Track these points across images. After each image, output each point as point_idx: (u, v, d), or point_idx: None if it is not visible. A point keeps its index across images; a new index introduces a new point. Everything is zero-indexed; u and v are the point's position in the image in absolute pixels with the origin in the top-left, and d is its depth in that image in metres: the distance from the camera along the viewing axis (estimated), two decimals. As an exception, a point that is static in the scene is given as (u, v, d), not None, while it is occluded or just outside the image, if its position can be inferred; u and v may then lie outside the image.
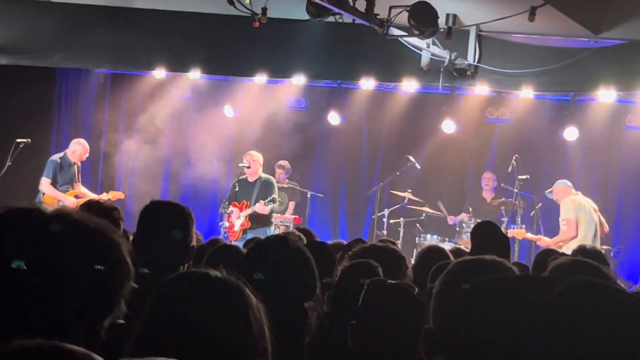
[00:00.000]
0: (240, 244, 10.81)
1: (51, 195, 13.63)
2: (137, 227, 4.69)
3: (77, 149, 14.13)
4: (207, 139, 16.50)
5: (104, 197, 13.73)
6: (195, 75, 15.05)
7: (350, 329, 3.56)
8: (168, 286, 2.81)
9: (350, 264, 4.62)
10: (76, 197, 13.71)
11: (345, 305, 3.66)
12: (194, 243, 4.71)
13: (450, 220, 14.90)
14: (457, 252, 7.71)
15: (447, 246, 12.23)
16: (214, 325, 2.66)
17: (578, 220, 12.49)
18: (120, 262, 2.09)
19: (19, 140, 13.86)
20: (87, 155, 14.32)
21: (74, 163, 14.04)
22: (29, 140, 13.95)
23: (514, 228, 13.82)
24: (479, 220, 13.41)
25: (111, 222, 5.11)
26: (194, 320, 2.67)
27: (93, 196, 13.44)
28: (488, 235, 6.89)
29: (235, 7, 9.88)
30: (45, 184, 13.76)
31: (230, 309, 2.68)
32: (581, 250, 7.00)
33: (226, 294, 2.72)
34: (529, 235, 13.11)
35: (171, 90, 16.25)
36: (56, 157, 14.05)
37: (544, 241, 12.85)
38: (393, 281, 3.78)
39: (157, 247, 4.54)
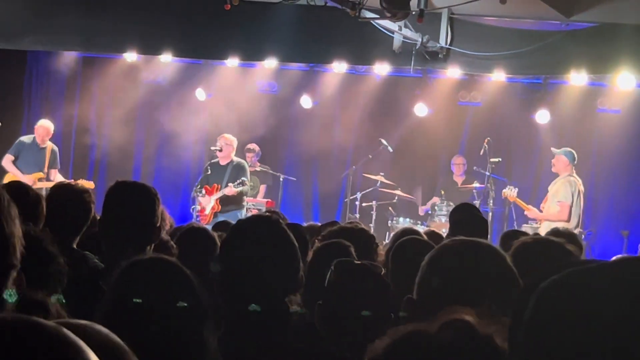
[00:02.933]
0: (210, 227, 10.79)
1: (11, 172, 13.58)
2: (103, 208, 4.65)
3: (38, 130, 14.06)
4: (179, 122, 16.44)
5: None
6: (167, 58, 14.98)
7: (317, 308, 3.55)
8: (124, 273, 2.83)
9: (321, 244, 4.61)
10: (43, 179, 13.58)
11: (319, 287, 3.64)
12: (160, 224, 4.68)
13: (422, 211, 14.93)
14: (432, 234, 7.67)
15: (420, 229, 12.28)
16: (169, 310, 2.68)
17: (572, 206, 12.47)
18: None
19: (-12, 123, 13.79)
20: (49, 136, 14.12)
21: (44, 147, 13.92)
22: (-1, 123, 13.88)
23: (488, 211, 13.88)
24: (451, 204, 13.57)
25: (82, 205, 5.09)
26: (150, 306, 2.69)
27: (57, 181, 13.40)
28: (467, 217, 6.88)
29: (206, -11, 9.84)
30: (5, 161, 13.78)
31: (181, 293, 2.71)
32: (554, 232, 7.01)
33: (179, 280, 2.75)
34: (520, 201, 13.03)
35: (143, 73, 16.17)
36: (25, 137, 14.01)
37: (533, 212, 12.81)
38: (359, 261, 3.77)
39: (122, 228, 4.51)
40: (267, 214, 4.32)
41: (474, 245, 2.87)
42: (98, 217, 4.86)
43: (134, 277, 2.80)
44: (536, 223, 12.77)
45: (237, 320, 3.25)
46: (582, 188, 12.58)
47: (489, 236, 13.65)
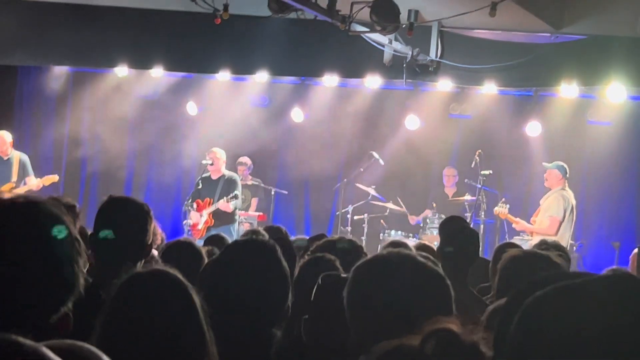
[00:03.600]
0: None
1: None
2: (94, 223, 4.64)
3: None
4: (170, 136, 16.45)
5: (39, 182, 13.53)
6: (157, 72, 14.98)
7: (304, 323, 3.55)
8: (125, 286, 2.80)
9: (307, 259, 4.60)
10: (14, 188, 13.44)
11: (305, 302, 3.64)
12: (151, 241, 4.67)
13: (412, 220, 14.91)
14: (423, 247, 7.66)
15: (411, 242, 12.29)
16: (169, 325, 2.66)
17: (563, 221, 12.51)
18: (73, 238, 2.06)
19: (-22, 139, 13.71)
20: (8, 146, 13.77)
21: (7, 158, 13.72)
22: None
23: (479, 223, 13.90)
24: (443, 216, 13.58)
25: (71, 219, 5.07)
26: (150, 320, 2.66)
27: (31, 187, 13.34)
28: (457, 230, 6.86)
29: (196, 3, 9.84)
30: None
31: (183, 310, 2.69)
32: (543, 244, 7.01)
33: (179, 294, 2.73)
34: (510, 216, 13.07)
35: (134, 88, 16.17)
36: None
37: (521, 225, 12.87)
38: (345, 275, 3.77)
39: (113, 244, 4.50)
40: (263, 238, 4.29)
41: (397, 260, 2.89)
42: (89, 232, 4.85)
43: (134, 291, 2.78)
44: (527, 235, 12.80)
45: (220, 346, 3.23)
46: (574, 202, 12.63)
47: (480, 248, 13.78)
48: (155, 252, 5.72)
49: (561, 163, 12.82)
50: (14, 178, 13.64)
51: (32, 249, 1.95)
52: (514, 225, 13.10)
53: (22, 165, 13.79)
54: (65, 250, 2.00)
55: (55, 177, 13.88)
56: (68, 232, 2.03)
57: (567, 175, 12.72)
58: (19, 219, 1.99)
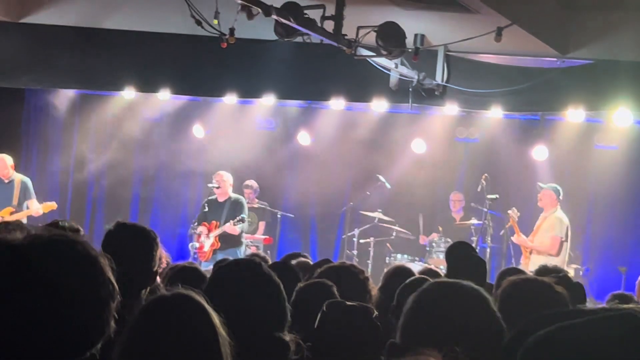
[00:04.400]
0: (210, 265, 10.79)
1: None
2: (101, 249, 4.64)
3: None
4: (177, 159, 16.47)
5: (38, 208, 13.46)
6: (164, 95, 15.01)
7: (307, 350, 3.54)
8: (147, 310, 2.79)
9: (304, 285, 4.59)
10: (15, 212, 13.39)
11: (301, 326, 3.63)
12: (157, 268, 4.68)
13: (422, 240, 14.90)
14: (429, 272, 7.64)
15: (417, 266, 12.27)
16: (189, 349, 2.65)
17: (564, 242, 12.58)
18: (106, 282, 2.05)
19: (-16, 161, 13.70)
20: (9, 169, 13.68)
21: (9, 181, 13.66)
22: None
23: (486, 247, 13.91)
24: (449, 240, 13.56)
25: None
26: (170, 344, 2.65)
27: (30, 212, 13.30)
28: (464, 257, 6.85)
29: (202, 27, 9.84)
30: None
31: (204, 333, 2.68)
32: (542, 270, 6.98)
33: (201, 318, 2.72)
34: (516, 226, 13.17)
35: (141, 111, 16.21)
36: None
37: (522, 240, 12.91)
38: (351, 302, 3.76)
39: (119, 271, 4.49)
40: (249, 257, 4.31)
41: (456, 288, 2.88)
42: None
43: (156, 315, 2.76)
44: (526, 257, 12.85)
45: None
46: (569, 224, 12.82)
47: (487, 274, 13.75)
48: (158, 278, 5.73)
49: (555, 185, 12.97)
50: (15, 202, 13.57)
51: (65, 291, 1.94)
52: (513, 237, 13.13)
53: (23, 189, 13.66)
54: (103, 293, 2.01)
55: (53, 205, 13.72)
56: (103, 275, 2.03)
57: (561, 198, 12.84)
58: (61, 259, 1.98)
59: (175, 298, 2.79)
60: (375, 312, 3.76)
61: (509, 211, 13.32)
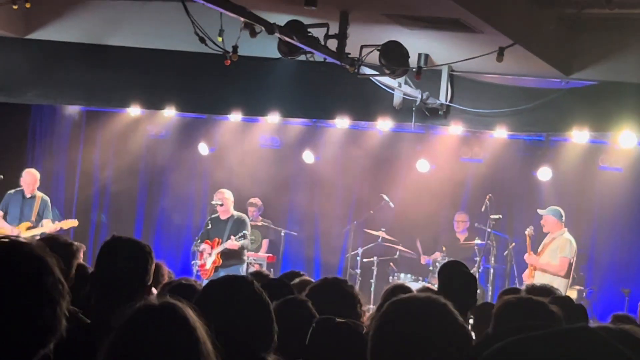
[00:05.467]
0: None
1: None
2: (96, 263, 4.67)
3: (25, 180, 13.99)
4: (182, 176, 16.50)
5: (56, 226, 13.58)
6: (170, 112, 15.05)
7: None
8: (132, 317, 2.78)
9: (279, 302, 4.59)
10: (31, 228, 13.51)
11: (281, 345, 3.62)
12: (151, 281, 4.68)
13: (423, 259, 14.89)
14: (424, 291, 7.64)
15: (419, 285, 12.24)
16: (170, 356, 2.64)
17: (571, 264, 12.59)
18: (54, 281, 2.05)
19: (-9, 176, 13.80)
20: (36, 185, 14.01)
21: (31, 197, 13.84)
22: (1, 176, 13.89)
23: (489, 267, 13.90)
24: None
25: (67, 257, 5.09)
26: (148, 354, 2.65)
27: (45, 230, 13.36)
28: (455, 275, 6.88)
29: (206, 44, 9.87)
30: None
31: (183, 343, 2.68)
32: (531, 288, 6.98)
33: (183, 324, 2.71)
34: (529, 243, 13.17)
35: (146, 127, 16.26)
36: (12, 190, 13.96)
37: (532, 259, 12.89)
38: (341, 319, 3.76)
39: (113, 284, 4.51)
40: (242, 275, 4.31)
41: (413, 304, 2.88)
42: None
43: (140, 324, 2.75)
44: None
45: None
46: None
47: (488, 293, 13.72)
48: (154, 291, 5.73)
49: (555, 207, 12.99)
50: (33, 218, 13.73)
51: (8, 291, 1.95)
52: (525, 256, 13.09)
53: (42, 206, 13.91)
54: (44, 292, 2.01)
55: (74, 222, 13.95)
56: (50, 274, 2.03)
57: (564, 219, 12.82)
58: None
59: (158, 307, 2.78)
60: (365, 329, 3.76)
61: (527, 230, 13.31)
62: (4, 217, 13.82)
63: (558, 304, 4.83)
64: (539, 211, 13.11)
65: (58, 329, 2.02)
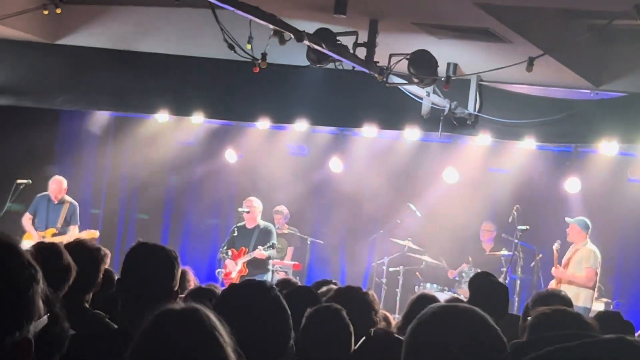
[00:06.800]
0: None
1: (27, 231, 13.67)
2: (122, 269, 4.66)
3: (51, 186, 14.08)
4: (209, 183, 16.53)
5: (80, 235, 13.62)
6: (198, 119, 15.08)
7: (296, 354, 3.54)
8: (153, 322, 2.78)
9: (313, 309, 4.57)
10: (57, 234, 13.56)
11: (312, 351, 3.62)
12: (177, 287, 4.67)
13: (451, 274, 14.83)
14: (453, 301, 7.61)
15: (446, 295, 12.20)
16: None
17: (597, 274, 12.57)
18: (25, 265, 2.07)
19: (19, 181, 13.88)
20: (63, 192, 14.14)
21: (59, 203, 13.92)
22: (30, 181, 13.98)
23: (515, 278, 13.84)
24: (479, 270, 13.48)
25: (92, 263, 5.09)
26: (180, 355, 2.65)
27: (70, 237, 13.42)
28: (485, 285, 6.84)
29: (235, 52, 9.90)
30: (24, 219, 13.88)
31: (211, 345, 2.67)
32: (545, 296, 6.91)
33: (205, 329, 2.70)
34: (556, 256, 13.15)
35: (174, 134, 16.30)
36: (41, 194, 14.05)
37: (560, 272, 12.84)
38: (328, 304, 3.76)
39: (139, 290, 4.50)
40: (262, 280, 4.32)
41: (451, 311, 2.87)
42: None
43: (162, 328, 2.75)
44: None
45: None
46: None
47: (514, 304, 13.65)
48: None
49: (582, 218, 12.92)
50: (59, 224, 13.79)
51: None
52: (553, 269, 13.02)
53: (70, 212, 13.99)
54: (23, 275, 2.02)
55: (95, 233, 13.94)
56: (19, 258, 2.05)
57: (589, 231, 12.76)
58: None
59: (181, 311, 2.78)
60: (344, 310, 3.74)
61: (554, 244, 13.27)
62: (32, 221, 13.91)
63: (608, 320, 4.80)
64: (567, 219, 13.07)
65: (34, 312, 2.03)
